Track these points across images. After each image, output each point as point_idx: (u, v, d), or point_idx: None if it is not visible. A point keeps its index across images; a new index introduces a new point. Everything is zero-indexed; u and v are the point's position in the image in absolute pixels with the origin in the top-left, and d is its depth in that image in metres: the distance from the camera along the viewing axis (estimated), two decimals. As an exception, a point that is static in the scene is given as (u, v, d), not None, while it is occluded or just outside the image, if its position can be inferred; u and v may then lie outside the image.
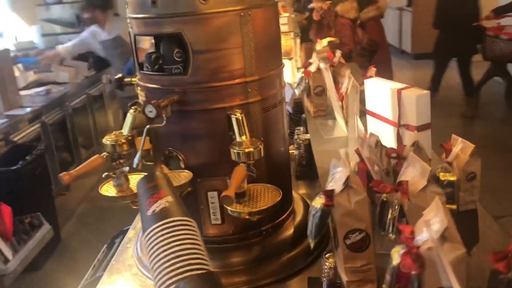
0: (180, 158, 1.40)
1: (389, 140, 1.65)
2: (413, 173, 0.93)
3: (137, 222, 1.85)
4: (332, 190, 0.90)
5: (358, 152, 1.29)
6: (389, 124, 1.69)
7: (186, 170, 1.36)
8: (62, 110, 4.76)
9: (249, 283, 1.43)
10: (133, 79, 1.63)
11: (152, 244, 0.75)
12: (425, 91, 1.55)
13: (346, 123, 1.92)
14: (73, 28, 6.01)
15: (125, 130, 1.45)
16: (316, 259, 1.46)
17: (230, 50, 1.30)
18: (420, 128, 1.56)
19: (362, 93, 2.14)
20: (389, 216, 0.93)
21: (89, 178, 5.14)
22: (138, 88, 1.46)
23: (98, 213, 4.44)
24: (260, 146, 1.27)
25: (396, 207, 0.92)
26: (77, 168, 1.40)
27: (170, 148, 1.40)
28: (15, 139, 3.80)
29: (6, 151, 3.55)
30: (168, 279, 0.69)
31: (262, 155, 1.28)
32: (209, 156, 1.39)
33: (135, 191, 1.43)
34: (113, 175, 1.44)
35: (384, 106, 1.69)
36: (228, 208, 1.30)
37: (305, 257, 1.46)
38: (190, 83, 1.31)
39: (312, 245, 0.99)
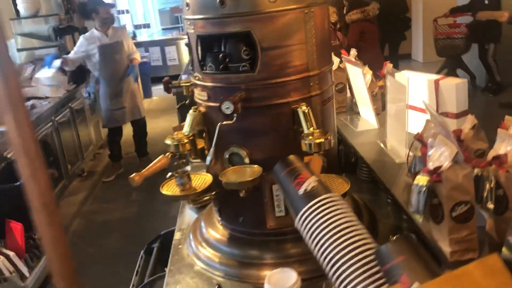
0: (245, 153, 1.43)
1: (426, 128, 1.74)
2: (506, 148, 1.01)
3: (181, 224, 1.86)
4: (439, 167, 0.97)
5: (419, 138, 1.36)
6: (424, 113, 1.78)
7: (255, 165, 1.40)
8: (48, 125, 4.65)
9: (306, 273, 1.47)
10: (180, 82, 1.66)
11: (316, 220, 0.78)
12: (463, 80, 1.65)
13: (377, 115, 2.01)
14: (49, 42, 5.88)
15: (187, 130, 1.48)
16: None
17: (295, 46, 1.35)
18: (459, 115, 1.66)
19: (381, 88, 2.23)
20: (487, 188, 1.01)
21: (77, 194, 5.04)
22: (197, 88, 1.49)
23: (94, 227, 4.36)
24: (329, 136, 1.32)
25: (492, 179, 1.00)
26: (145, 169, 1.42)
27: (234, 144, 1.44)
28: (9, 155, 3.70)
29: (2, 167, 3.46)
30: (357, 247, 0.72)
31: (332, 145, 1.33)
32: (272, 150, 1.43)
33: (198, 190, 1.46)
34: (176, 175, 1.46)
35: (418, 97, 1.78)
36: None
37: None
38: (258, 80, 1.35)
39: (421, 220, 1.06)
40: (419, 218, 1.04)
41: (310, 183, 0.84)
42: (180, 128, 1.72)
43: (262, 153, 1.43)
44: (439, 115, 1.32)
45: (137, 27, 11.93)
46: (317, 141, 1.31)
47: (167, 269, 1.60)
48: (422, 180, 0.99)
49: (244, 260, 1.52)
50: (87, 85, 6.01)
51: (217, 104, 1.42)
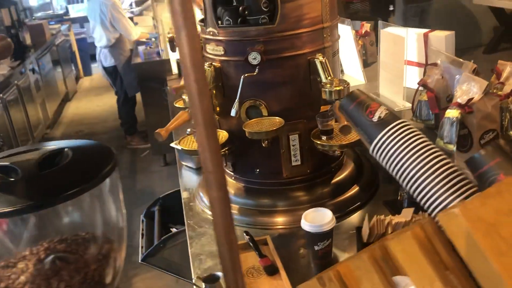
0: (263, 105, 1.48)
1: (416, 79, 1.86)
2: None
3: (186, 185, 1.88)
4: (471, 99, 1.07)
5: (424, 83, 1.47)
6: (414, 66, 1.90)
7: (275, 117, 1.45)
8: (-4, 104, 4.41)
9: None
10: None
11: (395, 142, 0.85)
12: (451, 31, 1.78)
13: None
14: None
15: (204, 85, 1.49)
16: (375, 192, 1.65)
17: (311, -2, 1.40)
18: (447, 65, 1.79)
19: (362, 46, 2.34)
20: (507, 117, 1.14)
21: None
22: (210, 44, 1.50)
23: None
24: (348, 84, 1.39)
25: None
26: (169, 124, 1.43)
27: (252, 98, 1.48)
28: None
29: None
30: (439, 162, 0.79)
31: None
32: (290, 101, 1.49)
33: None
34: (195, 130, 1.48)
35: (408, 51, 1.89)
36: (319, 142, 1.43)
37: (367, 191, 1.64)
38: (277, 32, 1.39)
39: (454, 148, 1.16)
40: (452, 147, 1.15)
41: (382, 111, 0.91)
42: (181, 88, 1.73)
43: (279, 104, 1.48)
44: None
45: (70, 1, 11.33)
46: (337, 88, 1.37)
47: (177, 228, 1.63)
48: (453, 113, 1.09)
49: (258, 208, 1.59)
50: (30, 62, 5.71)
51: (235, 58, 1.45)
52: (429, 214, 0.85)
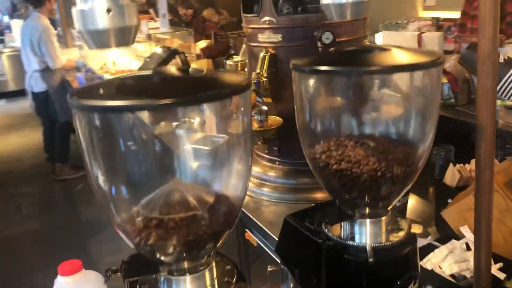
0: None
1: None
2: None
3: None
4: None
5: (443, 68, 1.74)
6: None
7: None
8: None
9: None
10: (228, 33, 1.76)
11: None
12: (440, 32, 2.10)
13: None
14: None
15: (263, 69, 1.59)
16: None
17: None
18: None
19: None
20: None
21: None
22: (264, 33, 1.62)
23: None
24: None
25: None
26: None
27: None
28: None
29: None
30: None
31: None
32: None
33: (272, 127, 1.61)
34: (255, 112, 1.57)
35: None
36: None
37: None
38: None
39: None
40: None
41: (503, 55, 1.10)
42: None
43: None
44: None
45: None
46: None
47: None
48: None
49: (300, 186, 1.70)
50: None
51: (293, 44, 1.58)
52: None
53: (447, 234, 1.17)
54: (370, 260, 0.68)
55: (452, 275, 0.98)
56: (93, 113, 0.55)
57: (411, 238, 0.74)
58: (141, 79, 0.58)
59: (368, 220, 0.74)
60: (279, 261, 0.98)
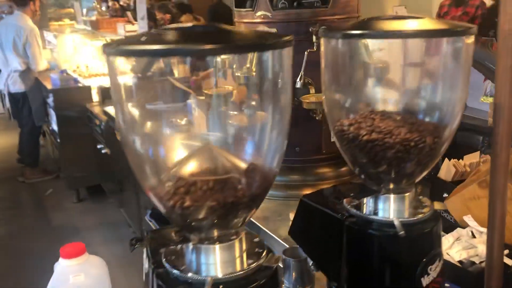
0: (311, 85, 1.61)
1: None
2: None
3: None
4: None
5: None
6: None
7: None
8: None
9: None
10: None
11: None
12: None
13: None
14: None
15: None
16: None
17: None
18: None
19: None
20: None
21: None
22: (260, 26, 1.60)
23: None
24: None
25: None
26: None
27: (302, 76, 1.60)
28: None
29: None
30: None
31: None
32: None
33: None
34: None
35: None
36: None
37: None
38: (329, 15, 1.56)
39: None
40: None
41: None
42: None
43: (326, 82, 1.63)
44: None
45: None
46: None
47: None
48: None
49: (291, 183, 1.69)
50: None
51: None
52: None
53: (449, 225, 1.17)
54: (401, 233, 0.66)
55: (459, 261, 0.98)
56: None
57: (435, 214, 0.73)
58: (184, 29, 0.56)
59: (392, 196, 0.72)
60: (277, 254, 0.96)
